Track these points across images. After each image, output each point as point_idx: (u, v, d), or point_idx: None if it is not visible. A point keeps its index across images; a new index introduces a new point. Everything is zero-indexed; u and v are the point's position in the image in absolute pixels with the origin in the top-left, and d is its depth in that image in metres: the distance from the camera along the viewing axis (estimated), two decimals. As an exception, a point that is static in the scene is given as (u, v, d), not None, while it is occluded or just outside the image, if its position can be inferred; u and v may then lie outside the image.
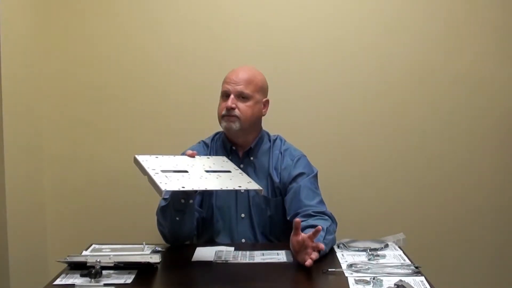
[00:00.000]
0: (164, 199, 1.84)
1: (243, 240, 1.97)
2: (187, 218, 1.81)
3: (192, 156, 1.81)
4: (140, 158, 1.68)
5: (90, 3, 2.40)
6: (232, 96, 1.93)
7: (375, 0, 2.40)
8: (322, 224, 1.77)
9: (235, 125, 1.93)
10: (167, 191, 1.62)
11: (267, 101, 2.03)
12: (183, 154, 1.88)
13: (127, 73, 2.42)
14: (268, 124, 2.10)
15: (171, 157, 1.78)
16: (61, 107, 2.43)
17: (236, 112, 1.92)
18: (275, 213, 1.98)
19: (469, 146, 2.44)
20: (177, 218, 1.80)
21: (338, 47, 2.41)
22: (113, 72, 2.42)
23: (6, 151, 2.07)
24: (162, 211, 1.85)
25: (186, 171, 1.67)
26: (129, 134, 2.43)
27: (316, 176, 2.00)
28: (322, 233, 1.72)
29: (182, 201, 1.77)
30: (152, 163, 1.66)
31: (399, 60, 2.41)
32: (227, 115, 1.93)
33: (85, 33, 2.41)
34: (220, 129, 2.07)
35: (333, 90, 2.42)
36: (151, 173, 1.59)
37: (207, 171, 1.72)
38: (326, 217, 1.86)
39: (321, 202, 1.93)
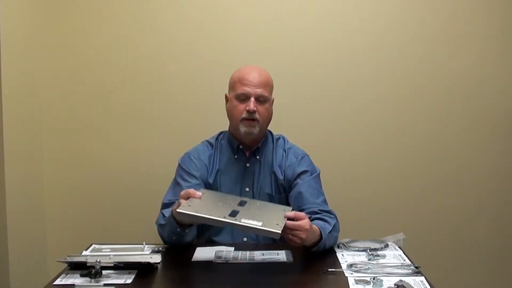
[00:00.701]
0: (164, 217, 1.81)
1: (245, 239, 1.97)
2: (184, 238, 1.80)
3: (199, 197, 1.65)
4: (188, 210, 1.49)
5: (91, 5, 2.40)
6: (252, 98, 1.89)
7: (377, 2, 2.40)
8: (329, 221, 1.82)
9: (256, 130, 1.92)
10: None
11: (273, 100, 2.02)
12: (176, 183, 1.92)
13: (127, 74, 2.42)
14: (272, 124, 2.11)
15: (197, 201, 1.59)
16: (61, 108, 2.43)
17: (257, 115, 1.90)
18: None
19: (469, 147, 2.44)
20: (174, 238, 1.80)
21: (340, 48, 2.41)
22: (113, 73, 2.42)
23: (6, 151, 2.07)
24: (161, 227, 1.84)
25: (237, 211, 1.54)
26: (129, 134, 2.44)
27: (319, 175, 2.01)
28: (329, 227, 1.78)
29: (178, 229, 1.75)
30: (205, 212, 1.49)
31: (400, 62, 2.41)
32: (248, 118, 1.90)
33: (85, 34, 2.41)
34: (223, 128, 2.07)
35: (334, 91, 2.42)
36: (239, 222, 1.44)
37: (241, 204, 1.61)
38: (332, 216, 1.88)
39: (325, 201, 1.95)
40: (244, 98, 1.91)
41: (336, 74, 2.42)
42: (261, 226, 1.42)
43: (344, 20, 2.41)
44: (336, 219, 1.88)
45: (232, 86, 1.96)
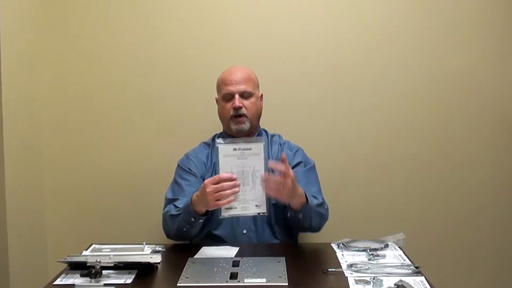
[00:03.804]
0: (176, 207, 1.88)
1: (244, 231, 1.98)
2: (194, 230, 1.87)
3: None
4: (189, 283, 1.49)
5: (90, 8, 2.40)
6: (237, 95, 1.98)
7: (376, 4, 2.40)
8: (314, 200, 1.88)
9: (246, 125, 2.00)
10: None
11: (262, 95, 2.09)
12: (175, 182, 2.00)
13: (126, 76, 2.42)
14: (270, 125, 2.11)
15: (193, 270, 1.61)
16: (61, 108, 2.43)
17: (244, 110, 1.98)
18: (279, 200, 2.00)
19: (469, 147, 2.44)
20: (184, 229, 1.86)
21: (339, 49, 2.40)
22: (112, 76, 2.42)
23: (6, 151, 2.07)
24: (171, 218, 1.89)
25: (236, 273, 1.56)
26: (129, 135, 2.43)
27: (314, 167, 2.06)
28: (316, 201, 1.87)
29: (193, 219, 1.81)
30: (206, 280, 1.50)
31: (400, 63, 2.40)
32: (235, 115, 1.98)
33: (84, 37, 2.41)
34: (218, 130, 2.10)
35: (335, 92, 2.41)
36: (243, 283, 1.48)
37: (235, 264, 1.64)
38: (321, 200, 1.94)
39: (319, 190, 2.01)
40: (229, 97, 2.00)
41: (336, 75, 2.41)
42: (266, 282, 1.48)
43: (344, 21, 2.40)
44: (327, 209, 1.95)
45: (218, 88, 2.06)
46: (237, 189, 1.72)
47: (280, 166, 1.69)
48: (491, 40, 2.40)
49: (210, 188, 1.70)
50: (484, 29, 2.40)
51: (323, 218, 1.94)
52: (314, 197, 1.90)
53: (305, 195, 1.81)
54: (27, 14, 2.31)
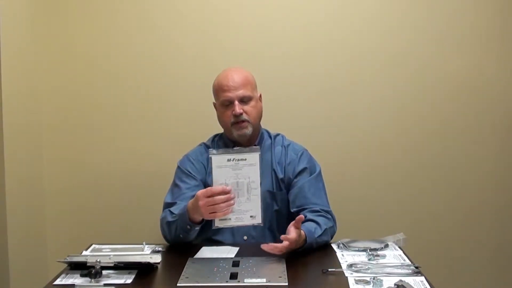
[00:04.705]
0: (172, 214, 1.85)
1: (245, 238, 1.96)
2: (190, 236, 1.84)
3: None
4: (189, 283, 1.49)
5: (90, 8, 2.40)
6: (236, 102, 1.91)
7: (376, 3, 2.40)
8: (322, 225, 1.83)
9: (248, 131, 1.94)
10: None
11: (261, 95, 2.03)
12: (175, 185, 1.96)
13: (126, 76, 2.42)
14: (271, 124, 2.10)
15: (193, 270, 1.61)
16: (61, 108, 2.43)
17: (245, 116, 1.92)
18: (282, 207, 1.99)
19: (469, 147, 2.44)
20: (181, 236, 1.83)
21: (339, 48, 2.41)
22: (112, 76, 2.42)
23: (6, 151, 2.07)
24: (168, 224, 1.86)
25: (236, 273, 1.56)
26: (129, 135, 2.44)
27: (320, 172, 2.01)
28: (319, 231, 1.80)
29: (188, 227, 1.79)
30: (206, 280, 1.50)
31: (400, 62, 2.41)
32: (236, 122, 1.92)
33: (84, 37, 2.41)
34: (218, 131, 2.08)
35: (334, 91, 2.42)
36: (243, 283, 1.48)
37: (235, 264, 1.64)
38: (330, 217, 1.90)
39: (327, 201, 1.97)
40: (228, 103, 1.93)
41: (337, 74, 2.41)
42: (266, 282, 1.47)
43: (345, 20, 2.40)
44: (334, 221, 1.91)
45: (215, 94, 1.99)
46: (231, 201, 1.69)
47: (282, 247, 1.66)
48: (491, 40, 2.41)
49: (203, 201, 1.67)
50: (484, 29, 2.40)
51: (328, 241, 1.87)
52: (316, 223, 1.83)
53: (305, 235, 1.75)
54: (27, 14, 2.31)
